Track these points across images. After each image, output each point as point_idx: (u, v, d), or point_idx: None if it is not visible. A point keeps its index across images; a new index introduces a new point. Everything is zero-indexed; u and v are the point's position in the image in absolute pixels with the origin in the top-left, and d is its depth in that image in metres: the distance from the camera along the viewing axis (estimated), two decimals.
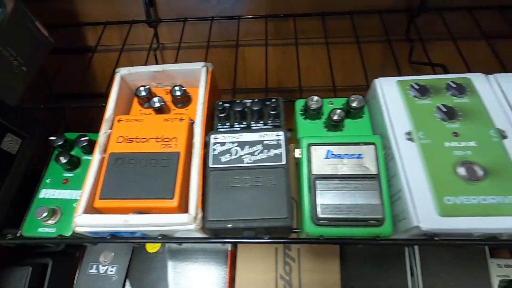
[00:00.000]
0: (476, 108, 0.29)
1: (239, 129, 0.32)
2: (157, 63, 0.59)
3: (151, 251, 0.46)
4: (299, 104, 0.34)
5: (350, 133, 0.32)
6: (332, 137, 0.30)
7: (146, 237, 0.27)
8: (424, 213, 0.24)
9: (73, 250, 0.50)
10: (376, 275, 0.46)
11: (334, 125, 0.31)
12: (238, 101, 0.32)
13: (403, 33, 0.57)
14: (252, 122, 0.33)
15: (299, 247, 0.44)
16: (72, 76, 0.56)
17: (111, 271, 0.46)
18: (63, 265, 0.50)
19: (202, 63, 0.34)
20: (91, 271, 0.47)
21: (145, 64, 0.44)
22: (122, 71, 0.34)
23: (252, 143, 0.29)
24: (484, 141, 0.27)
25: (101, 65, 0.63)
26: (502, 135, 0.27)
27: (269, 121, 0.33)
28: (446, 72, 0.44)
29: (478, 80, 0.31)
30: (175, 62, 0.52)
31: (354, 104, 0.31)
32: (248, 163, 0.28)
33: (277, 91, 0.66)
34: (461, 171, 0.26)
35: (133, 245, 0.47)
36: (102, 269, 0.47)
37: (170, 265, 0.45)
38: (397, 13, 0.54)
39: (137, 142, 0.30)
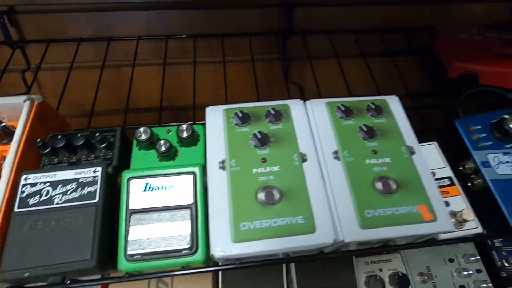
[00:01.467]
0: (287, 134, 0.32)
1: (66, 165, 0.31)
2: (26, 85, 0.55)
3: None
4: None
5: (183, 162, 0.33)
6: (160, 168, 0.31)
7: None
8: (220, 240, 0.26)
9: None
10: None
11: (164, 156, 0.32)
12: (59, 136, 0.31)
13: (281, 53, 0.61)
14: (83, 157, 0.32)
15: None
16: None
17: None
18: None
19: (25, 97, 0.32)
20: None
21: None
22: None
23: (66, 182, 0.28)
24: (287, 165, 0.30)
25: None
26: (303, 158, 0.30)
27: (101, 155, 0.32)
28: (301, 92, 0.48)
29: (295, 106, 0.34)
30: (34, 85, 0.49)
31: (183, 135, 0.32)
32: (58, 204, 0.27)
33: (170, 109, 0.66)
34: (261, 196, 0.28)
35: None
36: None
37: None
38: (269, 35, 0.57)
39: None
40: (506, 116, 0.34)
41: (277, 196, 0.28)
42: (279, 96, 0.66)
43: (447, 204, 0.33)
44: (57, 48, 0.54)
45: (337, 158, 0.30)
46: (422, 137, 0.44)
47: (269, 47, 0.60)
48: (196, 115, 0.66)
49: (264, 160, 0.30)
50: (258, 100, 0.49)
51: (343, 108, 0.33)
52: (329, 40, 0.54)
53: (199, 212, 0.28)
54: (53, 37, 0.53)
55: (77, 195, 0.28)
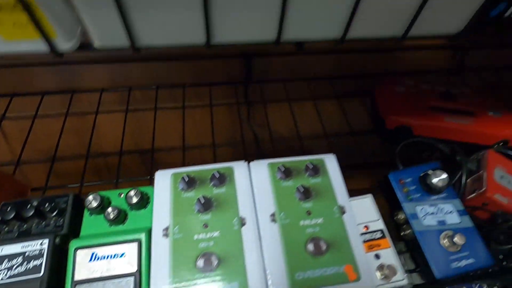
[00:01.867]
0: (229, 197, 0.34)
1: (16, 234, 0.32)
2: None
3: None
4: None
5: (133, 225, 0.34)
6: (109, 234, 0.32)
7: None
8: None
9: None
10: None
11: (114, 221, 0.34)
12: (9, 207, 0.32)
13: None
14: (34, 225, 0.33)
15: None
16: None
17: None
18: None
19: None
20: None
21: None
22: None
23: (12, 257, 0.29)
24: (226, 230, 0.32)
25: None
26: (242, 222, 0.33)
27: (52, 222, 0.34)
28: (256, 138, 0.52)
29: (239, 168, 0.37)
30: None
31: (131, 201, 0.34)
32: (2, 280, 0.28)
33: (138, 152, 0.68)
34: (200, 263, 0.30)
35: None
36: None
37: None
38: (229, 85, 0.61)
39: None
40: (429, 172, 0.38)
41: (215, 262, 0.30)
42: (241, 139, 0.70)
43: (377, 257, 0.35)
44: (22, 100, 0.55)
45: (274, 220, 0.33)
46: (365, 177, 0.48)
47: (231, 92, 0.63)
48: (162, 158, 0.68)
49: (205, 225, 0.32)
50: (214, 147, 0.52)
51: (283, 169, 0.36)
52: (284, 87, 0.58)
53: (143, 279, 0.30)
54: (17, 90, 0.54)
55: (22, 270, 0.29)
